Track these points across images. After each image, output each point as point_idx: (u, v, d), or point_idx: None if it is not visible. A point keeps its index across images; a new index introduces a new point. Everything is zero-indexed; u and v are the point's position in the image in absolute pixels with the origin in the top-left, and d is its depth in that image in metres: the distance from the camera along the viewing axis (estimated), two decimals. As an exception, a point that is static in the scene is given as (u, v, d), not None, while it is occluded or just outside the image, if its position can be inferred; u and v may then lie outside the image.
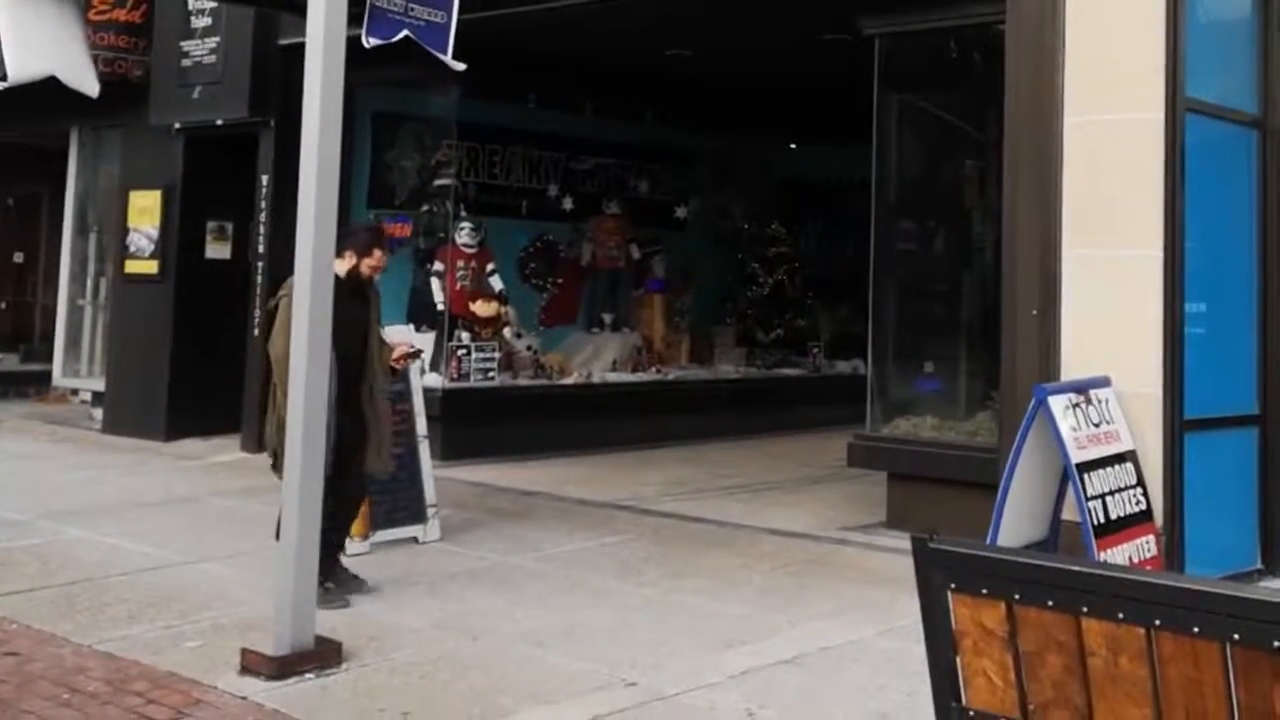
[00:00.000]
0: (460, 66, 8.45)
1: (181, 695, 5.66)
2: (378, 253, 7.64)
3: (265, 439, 7.81)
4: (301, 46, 6.36)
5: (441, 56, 8.33)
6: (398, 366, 7.84)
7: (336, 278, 7.18)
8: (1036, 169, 7.87)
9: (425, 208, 13.45)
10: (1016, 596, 3.51)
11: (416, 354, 8.16)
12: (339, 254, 7.36)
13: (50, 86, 13.01)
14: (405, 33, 8.11)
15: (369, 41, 8.00)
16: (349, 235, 7.65)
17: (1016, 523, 6.97)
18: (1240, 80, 8.24)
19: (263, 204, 12.79)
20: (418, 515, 8.80)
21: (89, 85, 13.29)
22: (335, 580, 7.30)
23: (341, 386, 7.26)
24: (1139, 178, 7.52)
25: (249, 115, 12.65)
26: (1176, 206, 7.44)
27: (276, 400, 7.39)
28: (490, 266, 13.19)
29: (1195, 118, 7.62)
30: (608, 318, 14.76)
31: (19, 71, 12.70)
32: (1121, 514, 7.05)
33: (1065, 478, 7.05)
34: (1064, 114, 7.79)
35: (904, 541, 3.87)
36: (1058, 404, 6.94)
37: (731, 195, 16.80)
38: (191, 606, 7.06)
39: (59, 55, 12.99)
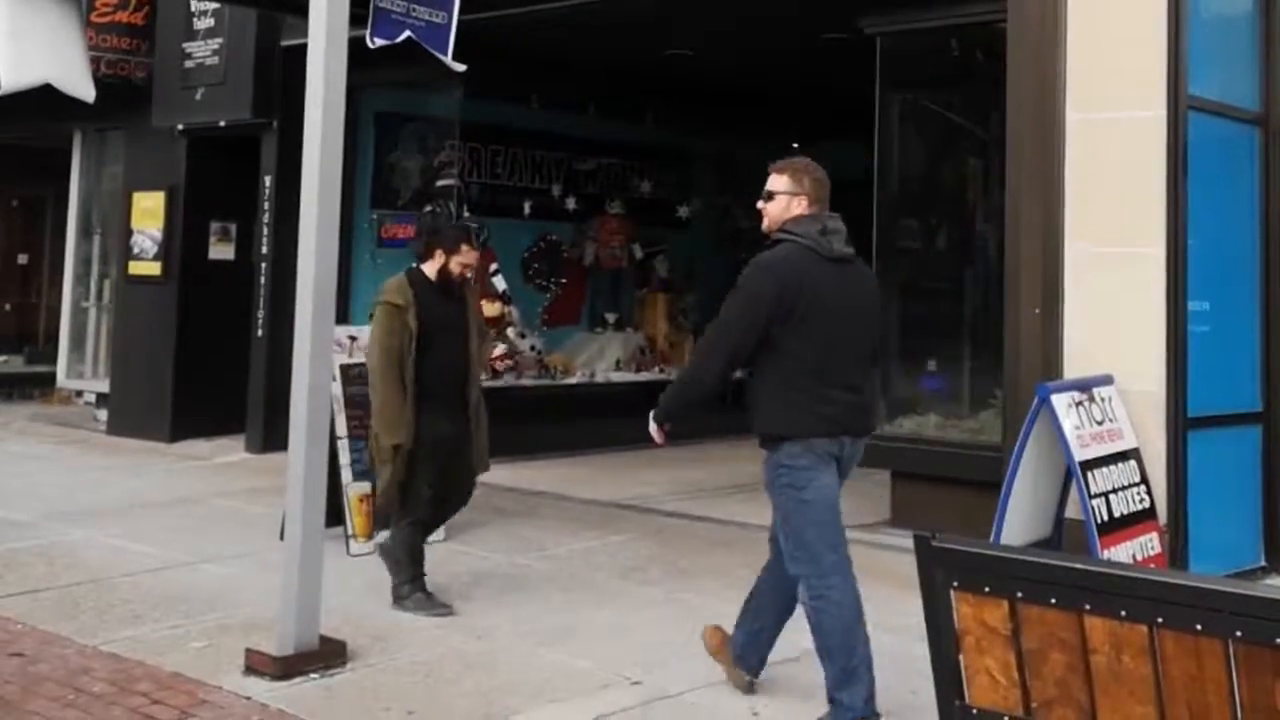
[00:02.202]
0: (460, 68, 8.46)
1: (186, 695, 5.67)
2: (466, 248, 7.38)
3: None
4: (304, 48, 6.36)
5: (442, 57, 8.35)
6: (498, 367, 7.59)
7: (426, 280, 7.28)
8: (1038, 167, 7.87)
9: (428, 208, 13.45)
10: (1019, 594, 3.52)
11: (512, 354, 7.86)
12: (427, 256, 7.39)
13: (53, 88, 13.01)
14: (408, 33, 8.13)
15: (374, 42, 8.02)
16: (435, 235, 7.59)
17: (1020, 521, 6.97)
18: (1242, 77, 8.24)
19: (266, 205, 12.80)
20: (422, 515, 8.80)
21: (85, 91, 13.26)
22: (419, 590, 7.18)
23: (444, 390, 7.19)
24: (1141, 175, 7.52)
25: (252, 116, 12.66)
26: (1179, 204, 7.44)
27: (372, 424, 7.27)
28: (493, 267, 13.19)
29: (1197, 115, 7.62)
30: (611, 317, 14.76)
31: (13, 80, 12.69)
32: (1125, 512, 7.05)
33: (1068, 476, 7.05)
34: (1066, 112, 7.80)
35: (907, 540, 3.88)
36: (1061, 402, 6.94)
37: (734, 195, 16.80)
38: (196, 607, 7.07)
39: (54, 62, 12.95)
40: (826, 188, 5.68)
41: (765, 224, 5.71)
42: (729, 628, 6.02)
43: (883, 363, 6.84)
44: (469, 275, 7.47)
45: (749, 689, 5.80)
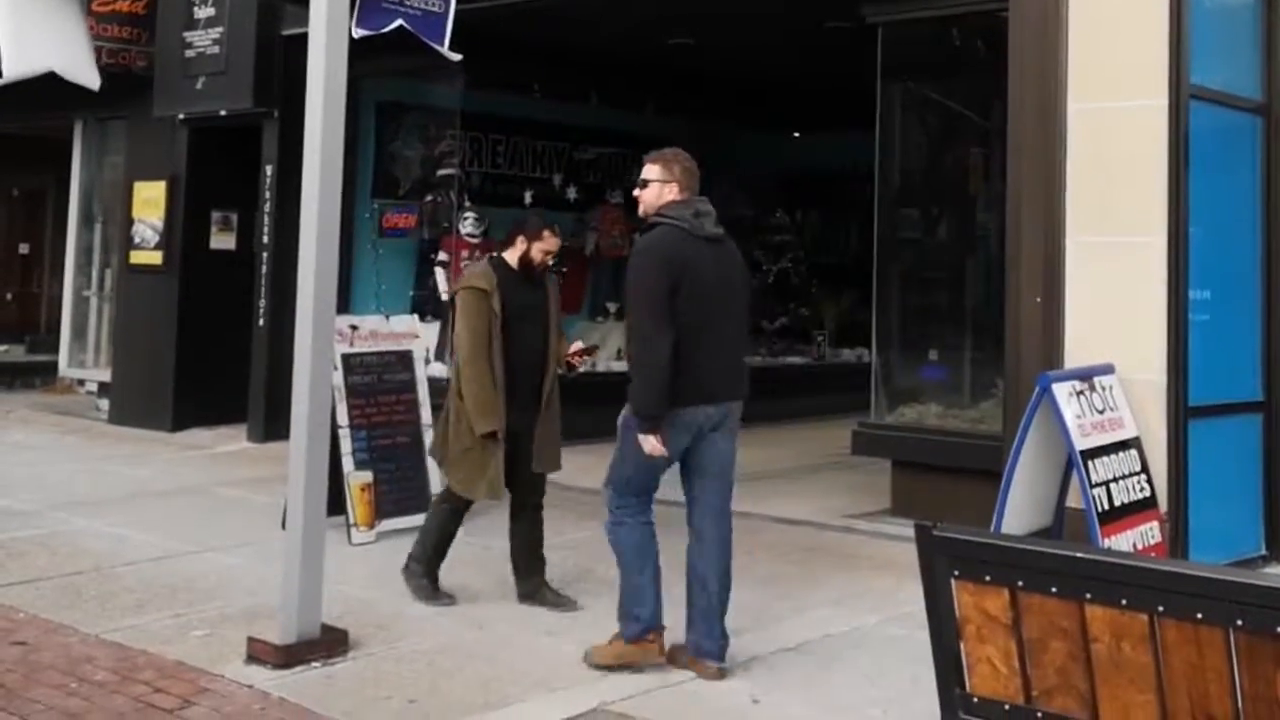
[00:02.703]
0: (456, 57, 8.42)
1: (188, 684, 5.68)
2: (548, 234, 7.28)
3: (431, 449, 7.63)
4: (304, 37, 6.36)
5: (437, 47, 8.30)
6: (575, 363, 7.32)
7: (508, 267, 7.24)
8: (1040, 156, 7.86)
9: (429, 198, 13.45)
10: (1020, 583, 3.53)
11: (592, 350, 7.60)
12: (509, 243, 7.36)
13: (55, 78, 13.02)
14: (399, 22, 8.06)
15: (357, 33, 7.94)
16: (519, 223, 7.52)
17: (1021, 510, 6.98)
18: (1244, 66, 8.23)
19: (267, 194, 12.79)
20: (423, 504, 8.80)
21: (89, 79, 13.29)
22: (428, 578, 7.20)
23: (518, 380, 7.08)
24: (1143, 164, 7.51)
25: (253, 106, 12.65)
26: (1180, 193, 7.44)
27: (452, 405, 7.16)
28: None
29: (1199, 104, 7.61)
30: (612, 307, 14.75)
31: (16, 68, 12.70)
32: (1125, 501, 7.05)
33: (1069, 465, 7.05)
34: (1068, 101, 7.79)
35: (908, 529, 3.89)
36: (1062, 391, 6.94)
37: (735, 184, 16.78)
38: (198, 596, 7.08)
39: (58, 50, 12.99)
40: (696, 175, 6.13)
41: (641, 209, 6.19)
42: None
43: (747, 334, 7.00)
44: (550, 263, 7.37)
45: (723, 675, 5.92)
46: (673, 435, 5.89)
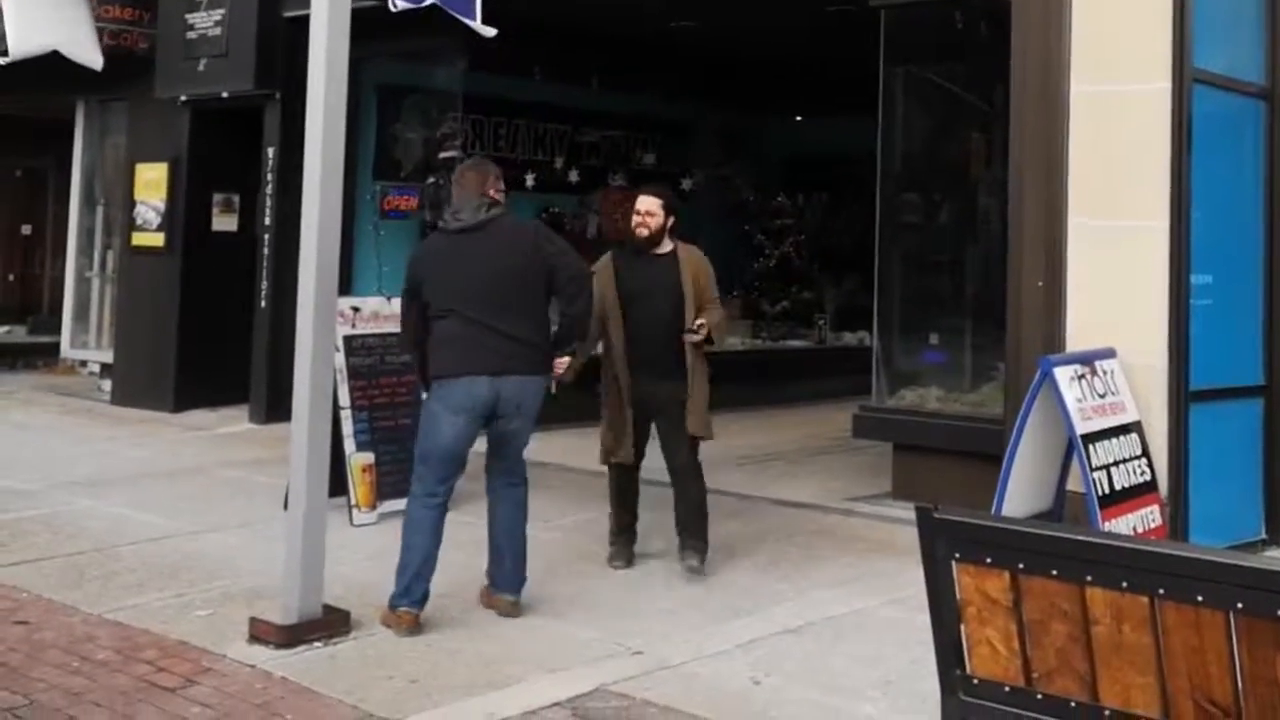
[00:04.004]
0: (490, 31, 8.34)
1: (191, 664, 5.70)
2: (639, 199, 7.66)
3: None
4: (306, 19, 6.36)
5: (470, 22, 8.26)
6: (691, 339, 7.37)
7: (624, 247, 7.71)
8: (1042, 140, 7.86)
9: (431, 180, 13.44)
10: (1020, 566, 3.53)
11: (691, 330, 7.43)
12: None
13: (55, 59, 13.02)
14: None
15: (395, 5, 7.96)
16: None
17: (1021, 493, 6.99)
18: (1248, 51, 8.22)
19: (269, 176, 12.78)
20: (425, 486, 8.82)
21: (93, 59, 13.28)
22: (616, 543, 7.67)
23: (644, 353, 7.40)
24: (1145, 149, 7.50)
25: (254, 88, 12.63)
26: (1183, 178, 7.43)
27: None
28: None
29: (1202, 88, 7.60)
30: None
31: (20, 46, 12.70)
32: (1126, 485, 7.06)
33: (1070, 449, 7.06)
34: (1070, 85, 7.77)
35: (909, 512, 3.90)
36: (1063, 375, 6.95)
37: (737, 167, 16.79)
38: (200, 576, 7.10)
39: (62, 29, 12.99)
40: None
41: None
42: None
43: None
44: (647, 224, 7.50)
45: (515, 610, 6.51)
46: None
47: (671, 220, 7.57)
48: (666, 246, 7.56)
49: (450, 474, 6.54)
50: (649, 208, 7.52)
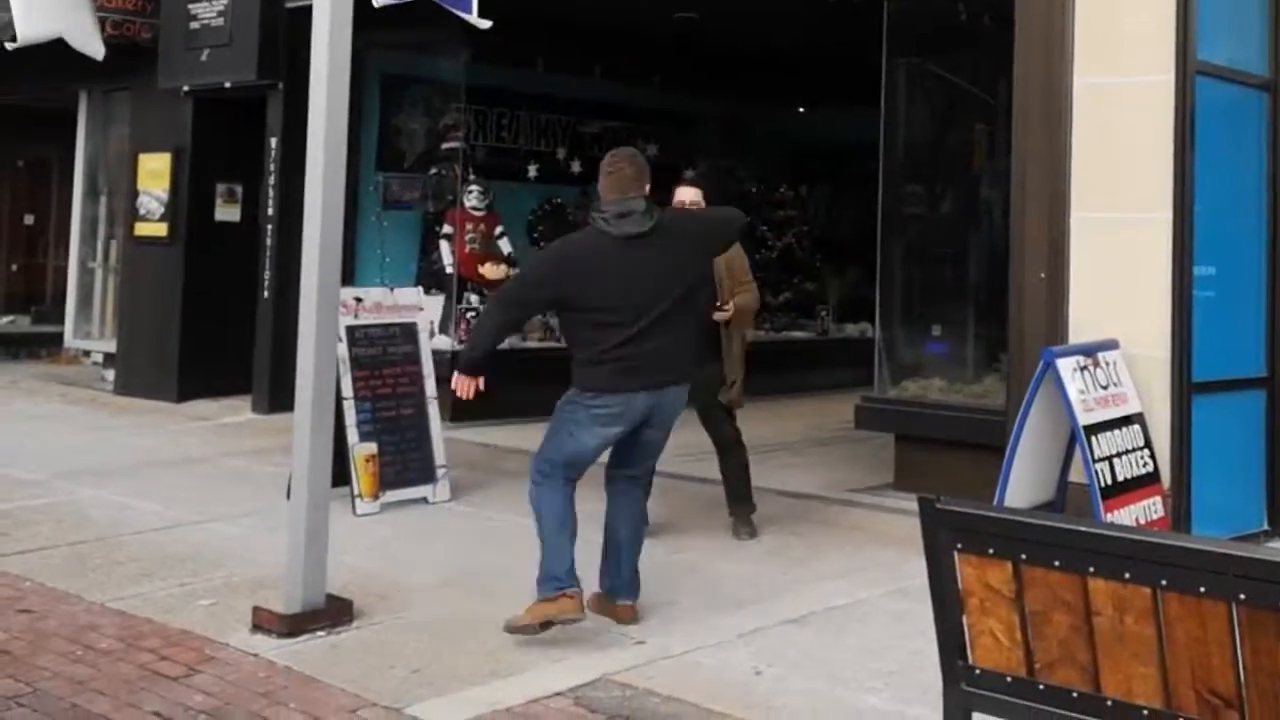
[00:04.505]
0: (485, 24, 8.36)
1: (193, 653, 5.72)
2: (679, 189, 7.84)
3: None
4: (309, 9, 6.35)
5: (465, 15, 8.26)
6: (719, 318, 7.82)
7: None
8: (1045, 132, 7.85)
9: (434, 171, 13.46)
10: (1023, 557, 3.55)
11: (719, 308, 7.87)
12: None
13: (59, 49, 13.03)
14: None
15: (379, 1, 7.94)
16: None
17: (1024, 484, 7.00)
18: (1251, 42, 8.21)
19: (272, 166, 12.78)
20: (427, 475, 8.85)
21: (94, 48, 13.28)
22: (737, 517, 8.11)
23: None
24: (1148, 140, 7.50)
25: (257, 78, 12.62)
26: (1186, 169, 7.43)
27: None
28: (499, 229, 13.19)
29: (1205, 80, 7.59)
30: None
31: (28, 32, 12.72)
32: (1129, 476, 7.07)
33: (1072, 440, 7.07)
34: (1074, 76, 7.76)
35: (911, 503, 3.91)
36: (1066, 367, 6.95)
37: (740, 158, 16.77)
38: (203, 565, 7.11)
39: (66, 17, 13.00)
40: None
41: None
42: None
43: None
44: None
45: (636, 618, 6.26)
46: None
47: None
48: None
49: (581, 472, 6.30)
50: (694, 198, 7.80)
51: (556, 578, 5.95)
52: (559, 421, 6.27)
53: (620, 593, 6.30)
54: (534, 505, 6.21)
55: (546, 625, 5.85)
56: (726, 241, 6.67)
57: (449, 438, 9.41)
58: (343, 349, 8.44)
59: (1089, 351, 7.21)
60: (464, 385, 6.44)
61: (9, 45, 12.81)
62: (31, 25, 12.69)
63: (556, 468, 6.20)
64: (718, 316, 7.74)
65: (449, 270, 12.77)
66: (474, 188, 13.03)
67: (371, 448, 8.58)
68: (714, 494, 8.39)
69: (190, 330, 13.36)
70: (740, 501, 8.14)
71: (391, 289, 9.41)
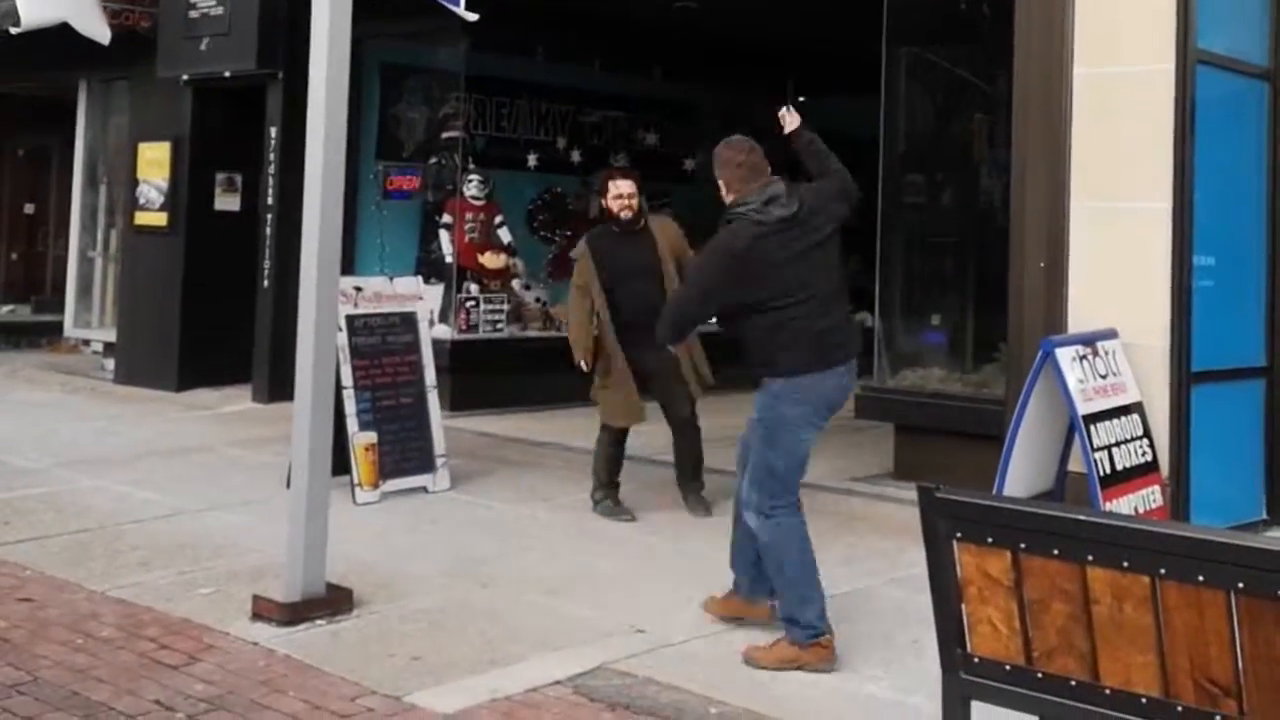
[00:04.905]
0: (472, 16, 8.37)
1: (194, 641, 5.73)
2: (612, 183, 8.29)
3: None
4: (309, -2, 6.35)
5: (452, 7, 8.27)
6: None
7: (604, 230, 8.36)
8: (1045, 121, 7.84)
9: (433, 160, 13.45)
10: (1022, 546, 3.55)
11: None
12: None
13: (59, 38, 13.00)
14: None
15: None
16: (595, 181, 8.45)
17: (1023, 474, 7.00)
18: (1251, 32, 8.20)
19: (271, 156, 12.78)
20: (427, 465, 8.86)
21: (100, 33, 13.26)
22: (608, 499, 8.31)
23: (634, 326, 7.90)
24: (1148, 130, 7.49)
25: (257, 67, 12.60)
26: (1186, 159, 7.42)
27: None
28: (498, 219, 13.19)
29: (1206, 69, 7.58)
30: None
31: (32, 16, 12.70)
32: (1128, 465, 7.07)
33: (1071, 429, 7.07)
34: (1074, 65, 7.75)
35: (911, 492, 3.91)
36: (1065, 356, 6.95)
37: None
38: (204, 554, 7.12)
39: (72, 1, 12.99)
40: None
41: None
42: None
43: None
44: (633, 210, 8.23)
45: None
46: None
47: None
48: (640, 223, 8.26)
49: (801, 476, 5.95)
50: (630, 190, 8.22)
51: (812, 625, 5.58)
52: (774, 429, 5.79)
53: (761, 592, 6.00)
54: (772, 542, 5.74)
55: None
56: (849, 207, 6.26)
57: (449, 427, 9.42)
58: (342, 338, 8.45)
59: (1088, 341, 7.21)
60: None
61: (13, 30, 12.79)
62: (34, 10, 12.66)
63: (789, 487, 5.80)
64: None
65: (448, 260, 12.78)
66: (474, 177, 13.03)
67: (371, 437, 8.59)
68: (715, 482, 8.39)
69: (190, 319, 13.36)
70: (693, 479, 8.41)
71: (391, 278, 9.41)
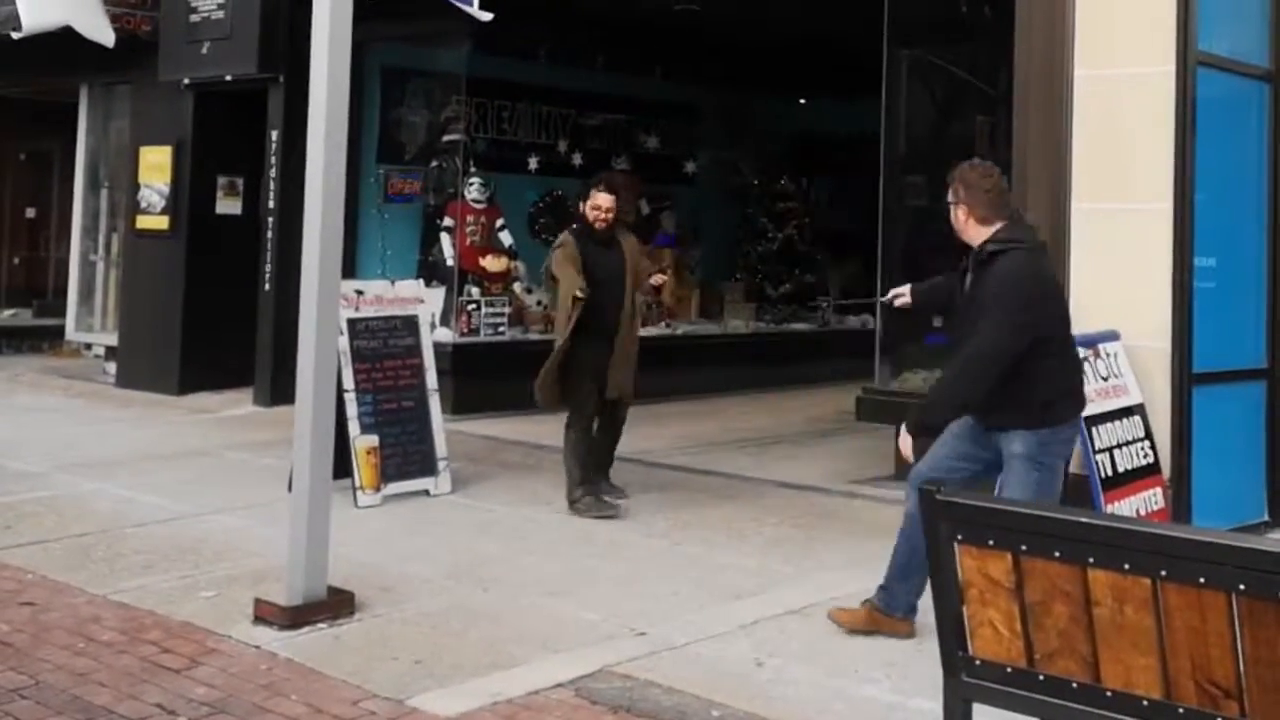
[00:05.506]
0: (486, 16, 8.32)
1: (195, 645, 5.72)
2: (594, 193, 8.56)
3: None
4: (309, 1, 6.35)
5: (466, 8, 8.24)
6: (655, 283, 8.89)
7: (583, 231, 8.55)
8: (1046, 123, 7.84)
9: (435, 163, 13.46)
10: (1023, 548, 3.55)
11: (664, 270, 9.32)
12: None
13: (61, 42, 13.00)
14: None
15: None
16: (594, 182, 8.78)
17: (1024, 476, 6.98)
18: (1252, 33, 8.20)
19: (272, 159, 12.78)
20: (428, 468, 8.86)
21: (104, 35, 13.25)
22: (596, 493, 8.41)
23: (597, 327, 8.31)
24: (1149, 131, 7.49)
25: (258, 71, 12.61)
26: (1187, 160, 7.42)
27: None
28: (500, 222, 13.20)
29: (1206, 71, 7.58)
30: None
31: (34, 20, 12.70)
32: (1129, 467, 7.07)
33: (1073, 431, 7.06)
34: (1075, 67, 7.75)
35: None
36: (1066, 358, 6.94)
37: (741, 150, 16.76)
38: (205, 557, 7.12)
39: (74, 5, 12.99)
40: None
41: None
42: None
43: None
44: (609, 220, 8.54)
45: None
46: None
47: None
48: (612, 234, 8.63)
49: None
50: (608, 204, 8.53)
51: (914, 607, 5.92)
52: (1040, 476, 5.70)
53: (909, 611, 5.99)
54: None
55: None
56: None
57: (450, 430, 9.42)
58: (344, 341, 8.45)
59: (1089, 343, 7.21)
60: (909, 446, 6.02)
61: (14, 35, 12.80)
62: (36, 15, 12.66)
63: None
64: (656, 280, 8.81)
65: (450, 263, 12.78)
66: (475, 180, 13.03)
67: (373, 440, 8.58)
68: (716, 485, 8.40)
69: (191, 323, 13.37)
70: (606, 469, 8.78)
71: (392, 281, 9.41)
